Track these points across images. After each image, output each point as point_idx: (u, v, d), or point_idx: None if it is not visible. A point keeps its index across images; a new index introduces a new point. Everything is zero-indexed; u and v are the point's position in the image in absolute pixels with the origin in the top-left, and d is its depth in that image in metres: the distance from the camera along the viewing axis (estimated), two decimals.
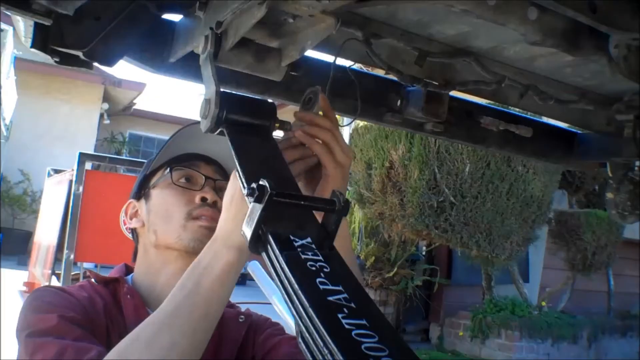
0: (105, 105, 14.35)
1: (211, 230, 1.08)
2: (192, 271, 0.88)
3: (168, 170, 1.15)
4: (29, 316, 0.97)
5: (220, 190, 1.14)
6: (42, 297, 1.01)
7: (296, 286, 0.66)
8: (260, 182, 0.73)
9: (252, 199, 0.73)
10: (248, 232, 0.74)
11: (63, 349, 0.89)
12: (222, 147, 1.13)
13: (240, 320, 1.17)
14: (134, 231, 1.21)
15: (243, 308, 1.25)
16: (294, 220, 0.77)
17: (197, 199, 1.12)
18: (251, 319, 1.19)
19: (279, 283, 0.69)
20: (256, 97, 1.17)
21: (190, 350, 0.83)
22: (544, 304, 7.48)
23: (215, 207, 1.11)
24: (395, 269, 7.03)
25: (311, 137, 0.96)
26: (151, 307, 1.09)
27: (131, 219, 1.20)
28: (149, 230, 1.14)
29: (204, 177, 1.15)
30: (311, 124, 0.97)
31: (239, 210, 0.86)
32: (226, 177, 1.18)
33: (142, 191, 1.19)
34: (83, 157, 4.10)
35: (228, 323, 1.15)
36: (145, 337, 0.84)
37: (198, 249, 1.07)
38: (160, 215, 1.13)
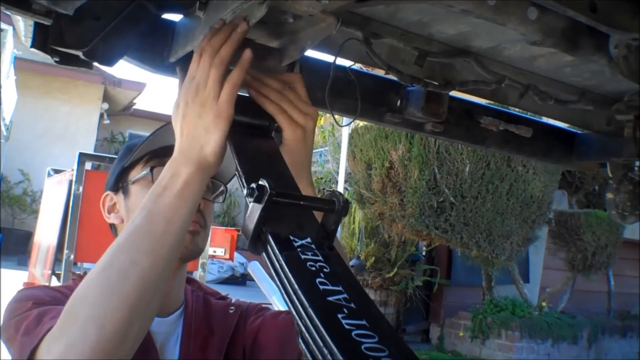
0: (105, 105, 14.35)
1: (194, 234, 1.07)
2: (152, 192, 0.86)
3: (149, 169, 1.10)
4: (6, 310, 0.97)
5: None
6: (19, 295, 1.01)
7: (296, 286, 0.66)
8: (260, 182, 0.73)
9: (251, 199, 0.73)
10: (248, 232, 0.74)
11: (42, 313, 0.89)
12: None
13: (231, 311, 1.16)
14: (112, 226, 1.17)
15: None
16: (293, 220, 0.77)
17: None
18: (241, 309, 1.17)
19: (278, 283, 0.69)
20: None
21: (152, 269, 0.79)
22: (544, 304, 7.48)
23: (199, 210, 1.08)
24: (395, 270, 7.03)
25: (263, 97, 0.95)
26: None
27: (109, 213, 1.16)
28: None
29: None
30: (262, 84, 0.96)
31: (192, 125, 0.86)
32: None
33: (119, 184, 1.15)
34: (83, 157, 4.08)
35: (218, 314, 1.15)
36: (104, 260, 0.81)
37: (181, 254, 1.04)
38: None
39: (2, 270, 6.98)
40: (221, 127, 0.86)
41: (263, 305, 1.21)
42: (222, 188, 1.18)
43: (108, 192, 1.17)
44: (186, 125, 0.87)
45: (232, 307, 1.17)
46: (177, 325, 1.11)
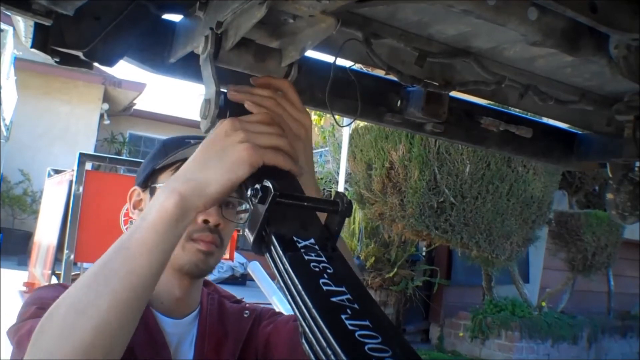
0: (105, 106, 14.35)
1: (207, 255, 1.07)
2: (133, 224, 0.78)
3: None
4: (19, 310, 0.98)
5: (227, 206, 1.10)
6: (30, 297, 1.01)
7: (300, 287, 0.66)
8: (264, 183, 0.73)
9: (255, 200, 0.73)
10: (251, 233, 0.74)
11: (33, 328, 0.86)
12: None
13: (245, 315, 1.17)
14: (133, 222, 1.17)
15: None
16: (297, 221, 0.77)
17: (200, 220, 1.06)
18: (256, 313, 1.19)
19: (282, 284, 0.69)
20: None
21: (109, 312, 0.71)
22: (544, 304, 7.48)
23: (217, 230, 1.07)
24: (395, 270, 7.03)
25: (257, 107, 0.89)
26: None
27: (134, 208, 1.15)
28: None
29: None
30: (251, 94, 0.91)
31: (208, 156, 0.79)
32: (239, 190, 1.14)
33: (148, 182, 1.14)
34: (83, 158, 4.09)
35: (232, 318, 1.16)
36: (68, 295, 0.75)
37: (191, 272, 1.07)
38: None
39: (2, 270, 6.99)
40: (243, 169, 0.78)
41: (276, 311, 1.23)
42: (245, 206, 1.14)
43: (136, 187, 1.17)
44: (202, 153, 0.81)
45: (247, 312, 1.18)
46: (192, 327, 1.12)
